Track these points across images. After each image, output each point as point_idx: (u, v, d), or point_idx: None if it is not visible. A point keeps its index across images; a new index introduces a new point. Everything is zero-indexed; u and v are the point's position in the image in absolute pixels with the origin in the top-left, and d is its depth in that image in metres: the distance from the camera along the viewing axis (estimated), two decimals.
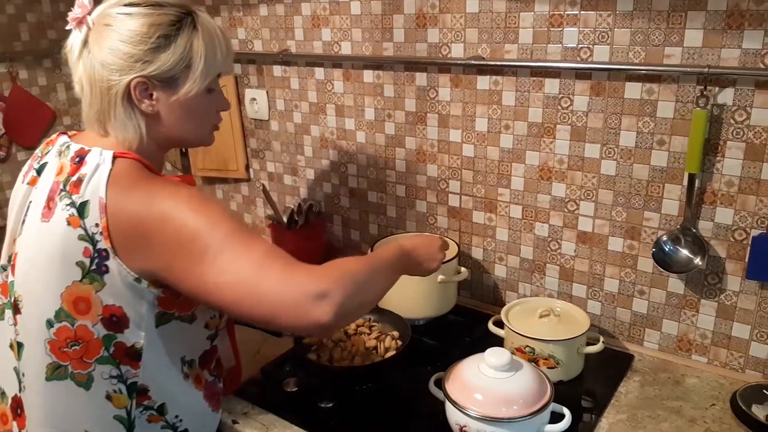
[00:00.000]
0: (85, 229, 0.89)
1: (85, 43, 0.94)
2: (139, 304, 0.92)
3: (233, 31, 1.85)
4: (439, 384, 1.12)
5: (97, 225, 0.89)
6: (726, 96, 1.16)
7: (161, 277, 0.90)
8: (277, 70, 1.80)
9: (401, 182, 1.66)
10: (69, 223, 0.90)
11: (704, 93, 1.16)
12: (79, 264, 0.90)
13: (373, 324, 1.39)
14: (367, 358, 1.28)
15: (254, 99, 1.88)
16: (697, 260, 1.24)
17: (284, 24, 1.72)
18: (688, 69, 1.17)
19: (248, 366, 1.37)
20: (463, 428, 1.05)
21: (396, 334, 1.36)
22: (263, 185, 1.93)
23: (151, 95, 0.95)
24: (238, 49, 1.86)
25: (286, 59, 1.75)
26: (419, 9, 1.46)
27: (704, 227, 1.25)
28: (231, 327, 1.13)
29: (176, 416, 1.01)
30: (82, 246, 0.89)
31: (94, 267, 0.90)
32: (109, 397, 0.95)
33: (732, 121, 1.17)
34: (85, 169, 0.91)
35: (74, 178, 0.92)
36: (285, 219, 1.78)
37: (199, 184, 2.19)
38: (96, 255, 0.89)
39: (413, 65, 1.53)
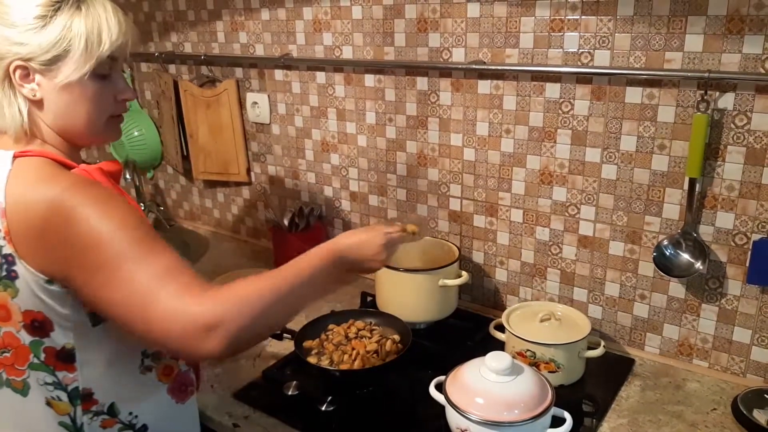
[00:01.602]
0: None
1: None
2: (60, 306, 0.88)
3: (235, 35, 1.85)
4: (440, 388, 1.12)
5: None
6: (726, 100, 1.17)
7: (65, 280, 0.85)
8: (279, 74, 1.81)
9: (402, 186, 1.66)
10: None
11: (705, 97, 1.16)
12: None
13: (374, 327, 1.39)
14: (368, 362, 1.28)
15: (256, 103, 1.88)
16: (698, 265, 1.24)
17: (286, 28, 1.73)
18: (689, 74, 1.17)
19: (249, 369, 1.37)
20: None
21: (397, 337, 1.36)
22: (264, 189, 1.93)
23: (33, 79, 0.89)
24: (240, 53, 1.86)
25: (287, 63, 1.75)
26: (420, 13, 1.47)
27: (705, 231, 1.25)
28: None
29: (130, 413, 0.98)
30: None
31: (4, 273, 0.87)
32: (49, 404, 0.93)
33: (732, 126, 1.17)
34: None
35: None
36: (286, 222, 1.78)
37: (200, 187, 2.19)
38: (3, 261, 0.86)
39: (414, 69, 1.53)
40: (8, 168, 0.87)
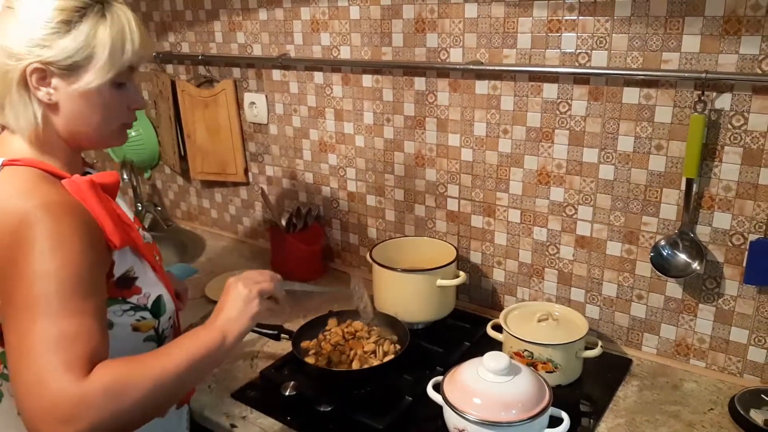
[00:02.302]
0: None
1: None
2: None
3: (232, 35, 1.85)
4: (438, 388, 1.12)
5: None
6: (723, 101, 1.17)
7: None
8: (277, 74, 1.81)
9: (400, 186, 1.66)
10: None
11: (702, 98, 1.17)
12: None
13: (372, 328, 1.39)
14: (365, 362, 1.28)
15: (253, 103, 1.88)
16: (695, 265, 1.25)
17: (283, 28, 1.73)
18: (686, 74, 1.17)
19: (247, 370, 1.37)
20: None
21: (395, 338, 1.36)
22: (262, 189, 1.93)
23: (50, 83, 0.89)
24: (238, 53, 1.86)
25: (285, 63, 1.75)
26: (418, 14, 1.47)
27: (702, 232, 1.26)
28: (177, 327, 1.08)
29: None
30: None
31: None
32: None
33: (729, 126, 1.18)
34: None
35: None
36: (284, 223, 1.78)
37: (197, 187, 2.19)
38: None
39: (412, 70, 1.53)
40: None
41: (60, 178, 0.89)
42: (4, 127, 0.96)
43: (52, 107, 0.91)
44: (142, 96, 1.02)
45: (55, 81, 0.89)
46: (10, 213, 0.81)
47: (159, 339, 1.00)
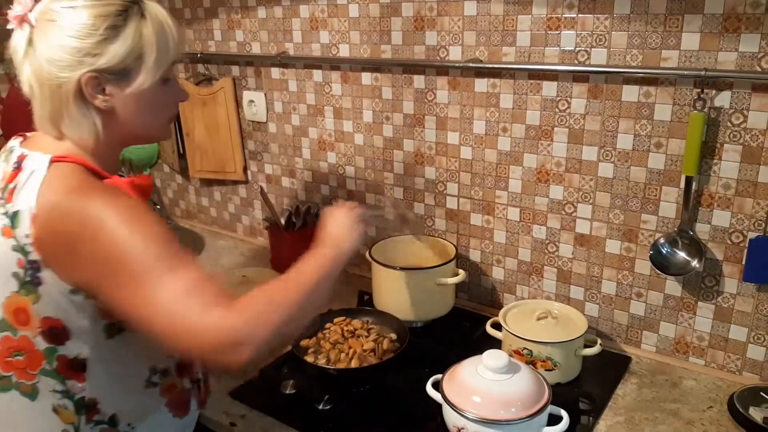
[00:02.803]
0: (17, 240, 0.86)
1: (30, 41, 0.89)
2: (80, 317, 0.89)
3: (231, 33, 1.85)
4: (437, 386, 1.12)
5: (27, 236, 0.85)
6: (723, 99, 1.17)
7: (92, 293, 0.86)
8: (275, 72, 1.80)
9: (399, 184, 1.66)
10: (2, 234, 0.87)
11: (701, 96, 1.17)
12: (15, 275, 0.87)
13: (371, 326, 1.39)
14: (365, 361, 1.28)
15: (252, 101, 1.88)
16: (695, 263, 1.25)
17: (282, 26, 1.72)
18: (686, 72, 1.17)
19: (246, 369, 1.36)
20: (461, 430, 1.05)
21: (394, 336, 1.36)
22: (261, 187, 1.93)
23: (104, 90, 0.90)
24: (236, 51, 1.86)
25: (284, 61, 1.75)
26: (417, 12, 1.47)
27: (701, 230, 1.26)
28: None
29: (128, 424, 0.98)
30: (16, 257, 0.87)
31: (28, 278, 0.87)
32: (55, 411, 0.93)
33: (729, 124, 1.18)
34: (21, 176, 0.88)
35: (11, 186, 0.88)
36: (283, 221, 1.78)
37: (196, 186, 2.19)
38: (29, 266, 0.86)
39: (411, 68, 1.53)
40: (43, 174, 0.87)
41: (101, 177, 0.91)
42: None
43: (108, 113, 0.93)
44: (183, 89, 1.05)
45: (108, 87, 0.91)
46: (68, 211, 0.83)
47: None
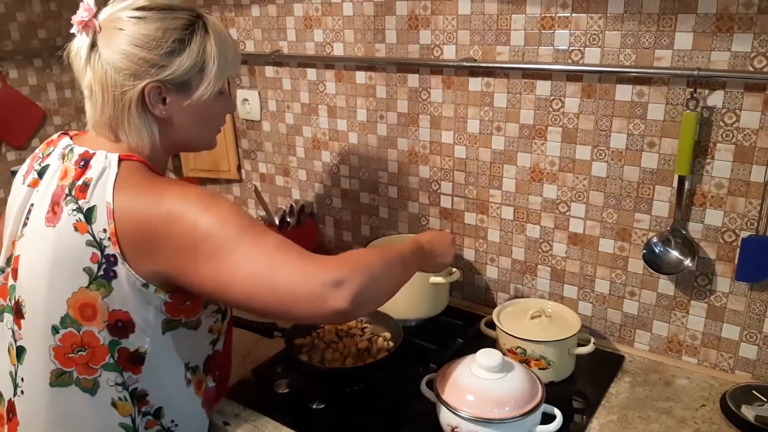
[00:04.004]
0: (93, 235, 0.88)
1: (93, 46, 0.92)
2: (146, 310, 0.92)
3: None
4: (431, 385, 1.12)
5: (104, 230, 0.88)
6: (716, 98, 1.17)
7: (172, 279, 0.89)
8: (269, 71, 1.80)
9: (393, 183, 1.66)
10: (76, 229, 0.89)
11: (694, 95, 1.17)
12: (87, 270, 0.89)
13: (365, 325, 1.39)
14: (359, 360, 1.28)
15: (246, 99, 1.88)
16: (687, 262, 1.25)
17: (276, 24, 1.72)
18: (678, 71, 1.18)
19: (239, 367, 1.36)
20: (455, 429, 1.05)
21: (388, 335, 1.36)
22: (255, 186, 1.93)
23: (165, 100, 0.94)
24: None
25: (278, 60, 1.74)
26: (411, 10, 1.47)
27: (694, 229, 1.26)
28: (230, 330, 1.13)
29: (172, 421, 1.01)
30: (90, 252, 0.89)
31: (101, 273, 0.89)
32: (114, 404, 0.95)
33: (722, 124, 1.18)
34: (91, 173, 0.90)
35: (80, 183, 0.90)
36: (277, 220, 1.78)
37: None
38: (104, 261, 0.89)
39: (405, 66, 1.53)
40: (116, 171, 0.90)
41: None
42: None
43: (165, 122, 0.96)
44: (233, 100, 1.06)
45: (170, 97, 0.94)
46: (149, 209, 0.87)
47: (218, 337, 1.07)
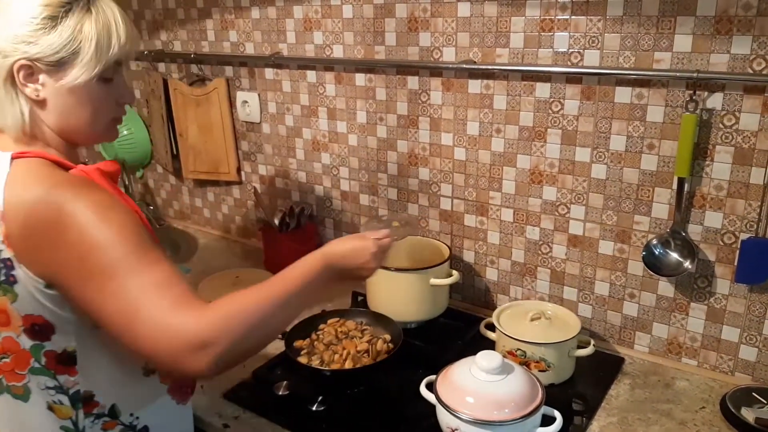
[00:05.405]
0: None
1: None
2: (60, 309, 0.87)
3: (225, 34, 1.84)
4: (431, 387, 1.12)
5: None
6: (715, 100, 1.17)
7: (61, 285, 0.84)
8: (269, 73, 1.80)
9: (393, 185, 1.66)
10: None
11: (693, 97, 1.17)
12: None
13: (365, 327, 1.39)
14: (358, 362, 1.27)
15: (246, 102, 1.88)
16: (687, 264, 1.25)
17: (276, 27, 1.72)
18: (678, 74, 1.18)
19: (239, 369, 1.36)
20: (455, 431, 1.05)
21: (387, 337, 1.36)
22: (255, 188, 1.93)
23: (37, 79, 0.89)
24: (230, 51, 1.85)
25: (277, 62, 1.74)
26: (411, 13, 1.47)
27: (694, 231, 1.26)
28: None
29: (131, 414, 0.98)
30: None
31: (3, 278, 0.86)
32: (51, 408, 0.93)
33: (721, 126, 1.18)
34: None
35: None
36: (276, 222, 1.78)
37: (190, 186, 2.18)
38: (2, 265, 0.86)
39: (405, 69, 1.53)
40: (6, 170, 0.86)
41: (66, 168, 0.90)
42: None
43: (40, 103, 0.91)
44: (131, 90, 1.02)
45: (42, 77, 0.89)
46: (35, 204, 0.82)
47: None
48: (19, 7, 0.87)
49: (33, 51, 0.86)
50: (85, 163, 0.96)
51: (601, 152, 1.32)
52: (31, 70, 0.88)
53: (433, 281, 1.44)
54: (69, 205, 0.81)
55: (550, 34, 1.30)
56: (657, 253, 1.29)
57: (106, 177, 0.91)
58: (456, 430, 1.04)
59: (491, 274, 1.57)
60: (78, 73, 0.89)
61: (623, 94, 1.26)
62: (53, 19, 0.87)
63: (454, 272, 1.48)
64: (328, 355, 1.29)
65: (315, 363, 1.28)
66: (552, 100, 1.34)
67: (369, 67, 1.59)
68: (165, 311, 0.78)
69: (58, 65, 0.88)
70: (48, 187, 0.83)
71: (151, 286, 0.79)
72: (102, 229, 0.80)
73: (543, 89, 1.35)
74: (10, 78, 0.88)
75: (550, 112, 1.35)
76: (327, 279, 0.98)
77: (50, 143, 0.94)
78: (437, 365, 1.15)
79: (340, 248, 1.02)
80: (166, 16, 1.97)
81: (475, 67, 1.40)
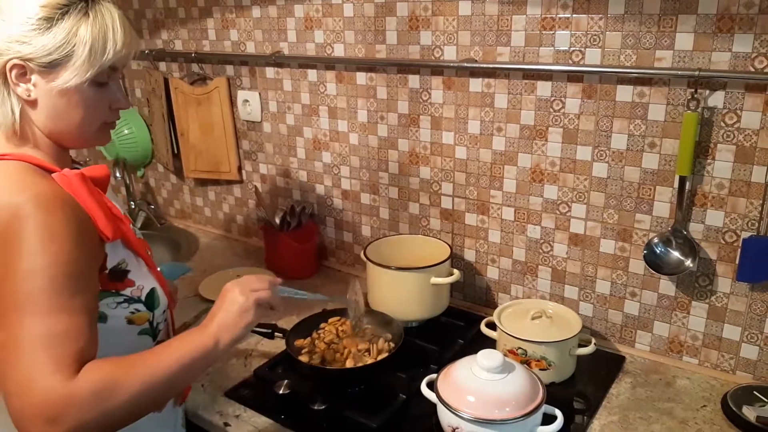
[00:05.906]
0: None
1: None
2: None
3: (226, 33, 1.84)
4: (432, 386, 1.12)
5: None
6: (716, 99, 1.17)
7: None
8: (270, 72, 1.80)
9: (394, 184, 1.66)
10: None
11: (695, 96, 1.17)
12: None
13: (366, 326, 1.39)
14: (359, 360, 1.28)
15: (247, 101, 1.88)
16: (688, 262, 1.25)
17: (277, 26, 1.72)
18: (679, 72, 1.18)
19: (240, 368, 1.36)
20: (456, 430, 1.05)
21: (389, 336, 1.36)
22: (255, 187, 1.93)
23: (29, 80, 0.88)
24: (231, 50, 1.85)
25: (278, 61, 1.74)
26: (412, 11, 1.47)
27: (695, 229, 1.26)
28: (171, 322, 1.07)
29: None
30: None
31: None
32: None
33: (722, 124, 1.18)
34: None
35: None
36: (277, 221, 1.78)
37: (191, 185, 2.19)
38: None
39: (406, 67, 1.53)
40: None
41: (50, 172, 0.89)
42: None
43: (31, 104, 0.91)
44: (126, 96, 1.01)
45: (34, 77, 0.89)
46: (2, 208, 0.81)
47: (154, 333, 0.99)
48: (18, 6, 0.87)
49: (26, 51, 0.86)
50: (85, 163, 0.95)
51: (602, 151, 1.32)
52: (23, 69, 0.88)
53: (434, 280, 1.44)
54: (20, 221, 0.79)
55: (551, 32, 1.30)
56: (658, 251, 1.29)
57: (87, 182, 0.90)
58: (457, 428, 1.04)
59: (492, 273, 1.57)
60: (69, 76, 0.89)
61: (624, 93, 1.26)
62: (49, 21, 0.87)
63: (455, 271, 1.48)
64: (329, 354, 1.29)
65: (316, 362, 1.28)
66: (553, 98, 1.34)
67: (370, 65, 1.59)
68: (41, 369, 0.75)
69: (51, 67, 0.88)
70: (12, 195, 0.82)
71: (44, 337, 0.76)
72: (34, 257, 0.78)
73: (544, 88, 1.35)
74: (3, 77, 0.88)
75: (551, 110, 1.35)
76: (211, 351, 0.88)
77: (39, 144, 0.93)
78: (438, 364, 1.16)
79: (219, 316, 0.92)
80: (167, 15, 1.97)
81: (476, 65, 1.40)
